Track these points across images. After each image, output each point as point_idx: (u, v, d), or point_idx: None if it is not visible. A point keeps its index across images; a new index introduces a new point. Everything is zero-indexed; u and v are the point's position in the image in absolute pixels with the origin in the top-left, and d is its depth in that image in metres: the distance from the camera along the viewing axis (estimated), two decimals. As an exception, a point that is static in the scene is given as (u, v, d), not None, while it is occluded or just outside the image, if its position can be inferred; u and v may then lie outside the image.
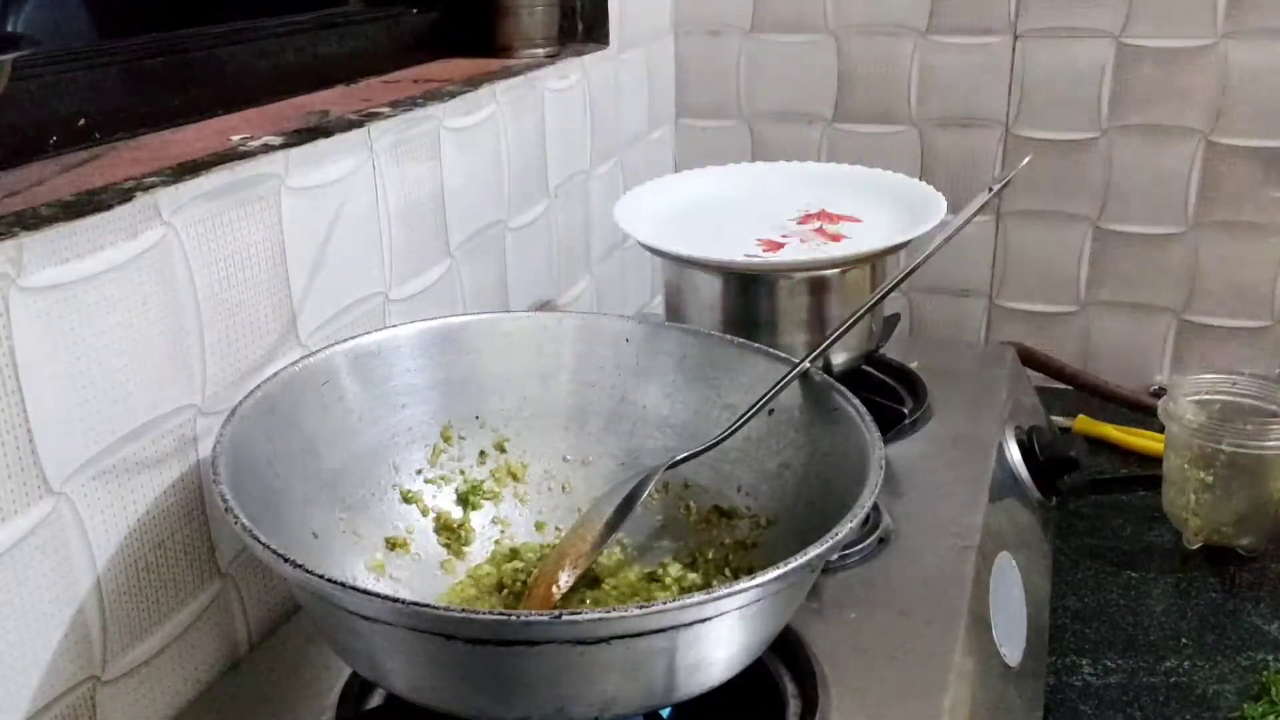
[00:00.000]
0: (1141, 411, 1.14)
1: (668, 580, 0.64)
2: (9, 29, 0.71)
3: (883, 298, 0.71)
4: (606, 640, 0.45)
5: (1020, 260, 1.26)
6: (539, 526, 0.69)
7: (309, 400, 0.62)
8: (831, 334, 0.69)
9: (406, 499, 0.66)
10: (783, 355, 0.66)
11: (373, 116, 0.76)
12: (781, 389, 0.63)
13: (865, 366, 0.94)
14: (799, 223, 0.92)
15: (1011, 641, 0.71)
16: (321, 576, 0.45)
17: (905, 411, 0.91)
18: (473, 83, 0.90)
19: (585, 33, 1.14)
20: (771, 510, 0.64)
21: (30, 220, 0.51)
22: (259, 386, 0.59)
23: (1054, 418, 1.10)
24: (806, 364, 0.63)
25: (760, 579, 0.46)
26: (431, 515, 0.66)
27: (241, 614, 0.66)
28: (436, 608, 0.46)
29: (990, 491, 0.80)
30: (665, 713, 0.56)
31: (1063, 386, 1.20)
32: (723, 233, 0.89)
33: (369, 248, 0.75)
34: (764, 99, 1.29)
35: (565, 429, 0.70)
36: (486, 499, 0.68)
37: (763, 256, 0.85)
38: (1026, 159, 0.85)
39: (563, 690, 0.47)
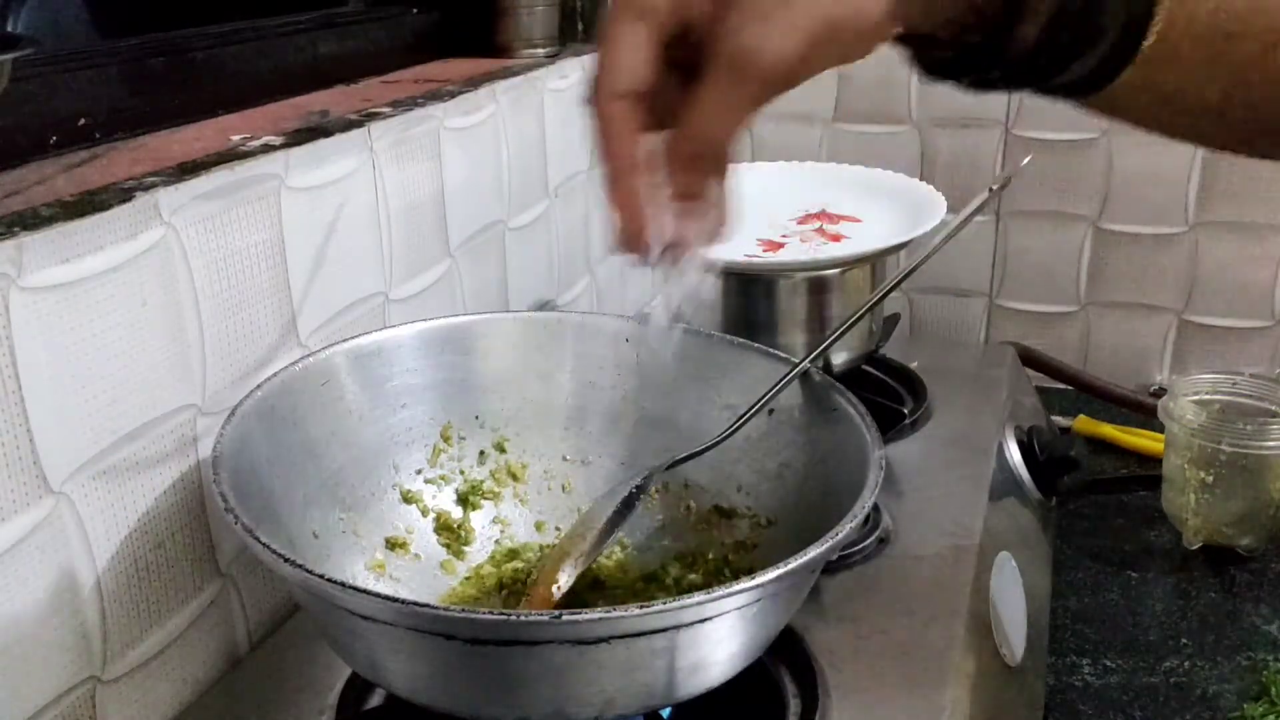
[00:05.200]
0: (1141, 411, 1.14)
1: (668, 580, 0.64)
2: (9, 29, 0.71)
3: (883, 298, 0.72)
4: (606, 640, 0.45)
5: (1020, 260, 1.26)
6: (539, 526, 0.69)
7: (309, 400, 0.62)
8: (831, 334, 0.69)
9: (406, 499, 0.66)
10: (783, 355, 0.66)
11: (373, 116, 0.76)
12: (781, 389, 0.63)
13: (865, 366, 0.94)
14: (799, 223, 0.92)
15: (1011, 641, 0.71)
16: (321, 576, 0.45)
17: (905, 411, 0.91)
18: (473, 83, 0.90)
19: (585, 33, 1.14)
20: (771, 510, 0.64)
21: (30, 220, 0.51)
22: (259, 386, 0.59)
23: (1054, 418, 1.10)
24: (806, 364, 0.63)
25: (760, 579, 0.46)
26: (431, 515, 0.66)
27: (241, 614, 0.66)
28: (436, 608, 0.47)
29: (990, 491, 0.80)
30: (665, 713, 0.56)
31: (1063, 386, 1.20)
32: (723, 233, 0.89)
33: (369, 248, 0.75)
34: (764, 99, 1.29)
35: (565, 429, 0.70)
36: (486, 499, 0.68)
37: (763, 256, 0.85)
38: (1026, 159, 0.85)
39: (563, 690, 0.47)
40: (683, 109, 0.44)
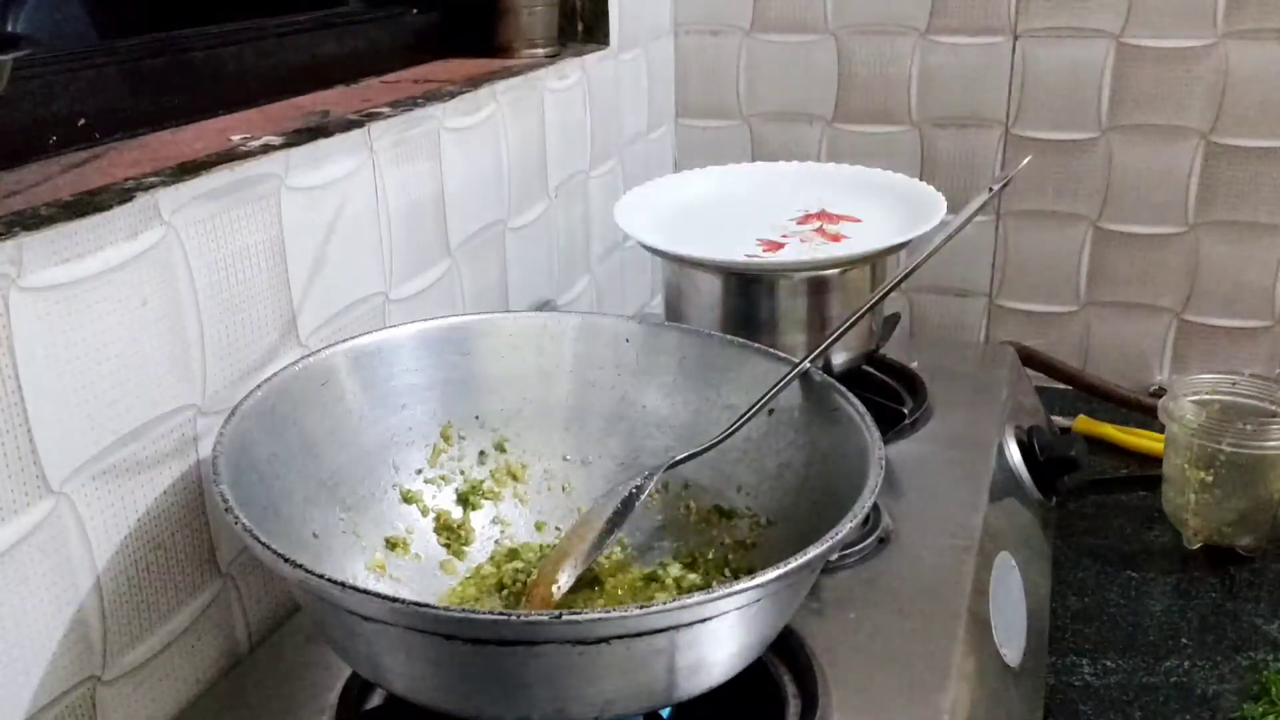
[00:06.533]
0: (1141, 411, 1.14)
1: (668, 580, 0.64)
2: (9, 29, 0.71)
3: (883, 298, 0.71)
4: (606, 640, 0.45)
5: (1020, 260, 1.26)
6: (539, 526, 0.69)
7: (309, 400, 0.62)
8: (831, 334, 0.69)
9: (406, 499, 0.66)
10: (783, 355, 0.66)
11: (373, 116, 0.76)
12: (781, 389, 0.63)
13: (865, 366, 0.94)
14: (799, 223, 0.92)
15: (1011, 641, 0.71)
16: (322, 576, 0.45)
17: (905, 411, 0.91)
18: (473, 83, 0.90)
19: (585, 33, 1.14)
20: (771, 510, 0.64)
21: (30, 220, 0.51)
22: (259, 386, 0.59)
23: (1054, 418, 1.10)
24: (806, 364, 0.63)
25: (760, 579, 0.46)
26: (431, 515, 0.66)
27: (241, 614, 0.66)
28: (436, 608, 0.46)
29: (990, 491, 0.80)
30: (665, 713, 0.56)
31: (1063, 386, 1.20)
32: (723, 233, 0.89)
33: (369, 248, 0.75)
34: (764, 99, 1.29)
35: (565, 429, 0.70)
36: (486, 499, 0.68)
37: (763, 256, 0.85)
38: (1026, 159, 0.85)
39: (563, 690, 0.47)
40: None
